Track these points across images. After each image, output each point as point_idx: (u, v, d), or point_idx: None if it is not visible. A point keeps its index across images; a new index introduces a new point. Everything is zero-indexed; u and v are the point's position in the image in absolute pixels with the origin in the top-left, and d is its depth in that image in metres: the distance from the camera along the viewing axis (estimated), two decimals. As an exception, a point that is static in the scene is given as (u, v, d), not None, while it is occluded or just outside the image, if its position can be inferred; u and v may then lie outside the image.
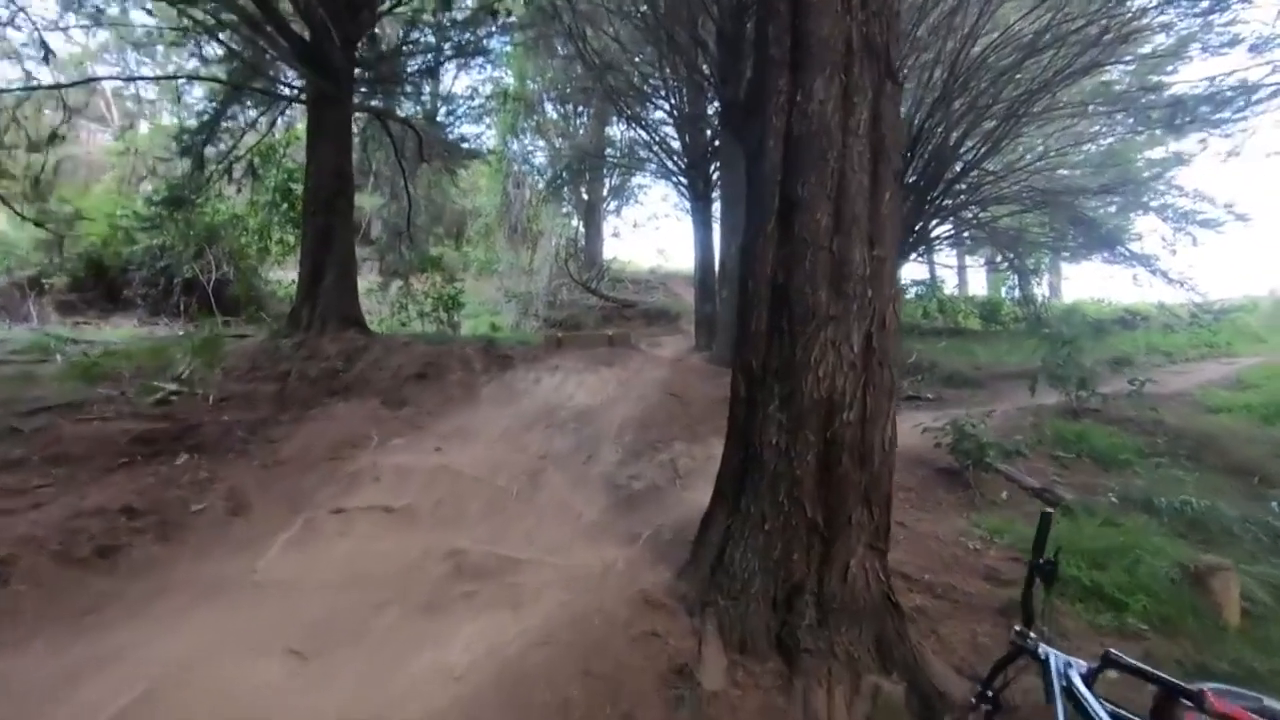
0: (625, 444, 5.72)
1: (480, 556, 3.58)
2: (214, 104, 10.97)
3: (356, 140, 13.08)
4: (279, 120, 12.21)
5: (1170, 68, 15.32)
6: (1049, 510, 2.06)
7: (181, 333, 9.44)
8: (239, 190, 12.03)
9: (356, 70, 10.56)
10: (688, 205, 16.95)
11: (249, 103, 11.00)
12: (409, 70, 11.39)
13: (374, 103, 12.22)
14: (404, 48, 10.87)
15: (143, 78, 12.07)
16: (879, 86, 2.72)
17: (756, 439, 2.71)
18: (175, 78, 11.44)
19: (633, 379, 8.40)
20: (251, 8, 9.05)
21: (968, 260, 24.47)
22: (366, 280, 13.47)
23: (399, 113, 13.01)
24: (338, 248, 9.35)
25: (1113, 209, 17.65)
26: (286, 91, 10.87)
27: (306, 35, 9.10)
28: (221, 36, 10.11)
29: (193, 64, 11.86)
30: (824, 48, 2.67)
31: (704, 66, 11.94)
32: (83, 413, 5.61)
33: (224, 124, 11.24)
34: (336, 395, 7.14)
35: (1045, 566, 2.00)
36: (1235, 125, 13.53)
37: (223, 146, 11.35)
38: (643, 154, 17.82)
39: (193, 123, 11.10)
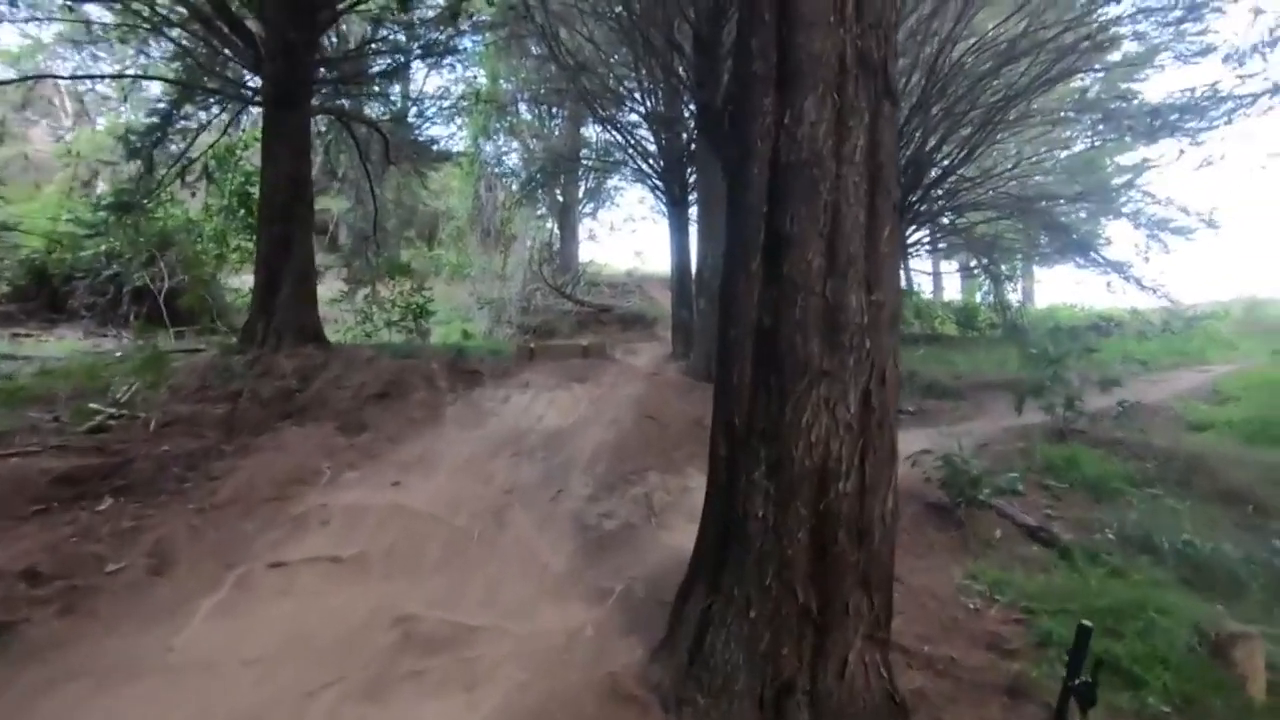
0: (597, 475, 5.37)
1: (432, 624, 3.21)
2: (165, 104, 10.38)
3: (318, 143, 12.60)
4: (238, 121, 11.63)
5: (1143, 75, 15.41)
6: (1087, 624, 1.76)
7: (123, 348, 8.86)
8: (193, 194, 11.43)
9: (318, 70, 10.09)
10: (664, 208, 16.67)
11: (202, 103, 10.44)
12: (374, 71, 10.87)
13: (339, 103, 11.75)
14: (369, 47, 10.36)
15: (87, 75, 11.40)
16: (876, 108, 2.41)
17: (740, 508, 2.38)
18: (122, 76, 10.83)
19: (606, 396, 8.05)
20: (201, 3, 8.55)
21: (943, 266, 24.52)
22: (331, 288, 12.96)
23: (366, 114, 12.52)
24: (296, 257, 8.85)
25: (1084, 215, 17.76)
26: (243, 92, 10.31)
27: (262, 33, 8.61)
28: (171, 33, 9.57)
29: (143, 61, 11.29)
30: (815, 64, 2.35)
31: (680, 70, 11.63)
32: (1, 446, 5.12)
33: (177, 125, 10.68)
34: (290, 419, 6.70)
35: (1082, 688, 1.71)
36: (1207, 134, 13.57)
37: (175, 149, 10.78)
38: (618, 156, 17.49)
39: (141, 123, 10.49)
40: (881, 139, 2.40)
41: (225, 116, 11.01)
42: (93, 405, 6.20)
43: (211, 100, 10.40)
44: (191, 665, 2.86)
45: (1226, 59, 12.28)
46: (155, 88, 11.46)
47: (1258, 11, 12.29)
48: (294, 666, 2.90)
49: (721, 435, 2.54)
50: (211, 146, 11.02)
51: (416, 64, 14.21)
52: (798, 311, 2.29)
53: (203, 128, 10.85)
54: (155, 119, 10.34)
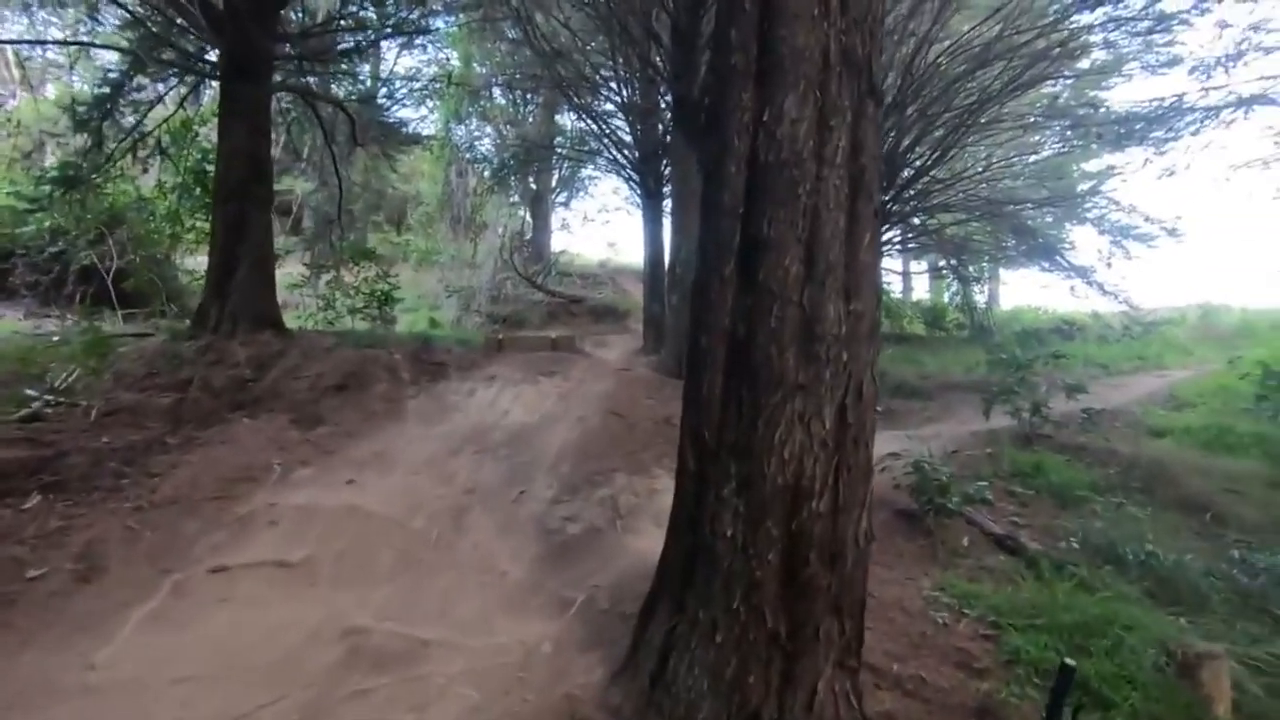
0: (562, 475, 5.22)
1: (382, 637, 3.04)
2: (116, 74, 9.86)
3: (280, 121, 12.13)
4: (196, 95, 11.12)
5: (1111, 83, 15.65)
6: (1069, 663, 1.67)
7: (65, 330, 8.41)
8: (145, 170, 10.92)
9: (282, 45, 9.67)
10: (639, 200, 16.50)
11: (157, 75, 9.94)
12: (340, 47, 10.47)
13: (304, 81, 11.30)
14: (336, 23, 9.96)
15: (31, 41, 10.78)
16: (859, 107, 2.29)
17: (708, 526, 2.25)
18: (69, 43, 10.27)
19: (574, 391, 7.89)
20: (155, -32, 8.12)
21: (912, 265, 24.77)
22: (294, 272, 12.52)
23: (332, 93, 12.09)
24: (252, 238, 8.49)
25: (1050, 220, 18.05)
26: (200, 65, 9.84)
27: (220, 3, 8.19)
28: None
29: (96, 30, 10.71)
30: (798, 59, 2.22)
31: (657, 60, 11.46)
32: (-78, 437, 4.78)
33: (129, 97, 10.15)
34: (242, 410, 6.41)
35: (1065, 733, 1.63)
36: (1171, 144, 13.83)
37: (127, 122, 10.26)
38: (593, 145, 17.26)
39: (90, 94, 9.96)
40: (864, 140, 2.28)
41: (181, 90, 10.51)
42: (28, 391, 5.85)
43: (166, 72, 9.91)
44: (113, 685, 2.64)
45: (1192, 71, 12.50)
46: (108, 57, 10.88)
47: (1223, 25, 12.54)
48: (228, 686, 2.71)
49: (690, 448, 2.41)
50: (166, 121, 10.51)
51: (386, 43, 13.82)
52: (773, 320, 2.16)
53: (156, 101, 10.34)
54: (105, 89, 9.82)
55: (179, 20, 9.02)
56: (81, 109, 9.64)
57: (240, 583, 3.55)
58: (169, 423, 5.91)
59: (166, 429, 5.73)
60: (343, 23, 10.38)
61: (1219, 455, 6.76)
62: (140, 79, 10.17)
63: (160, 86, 10.46)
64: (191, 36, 9.42)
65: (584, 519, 4.60)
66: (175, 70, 9.89)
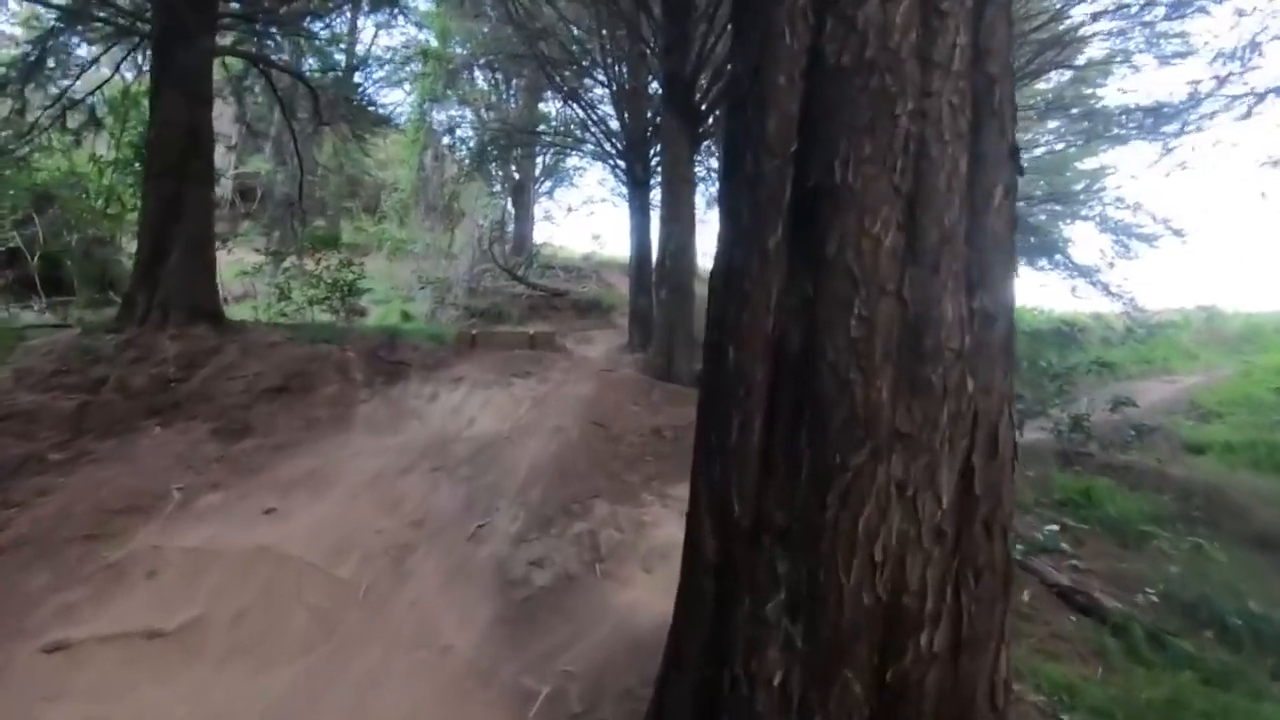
0: (531, 503, 4.34)
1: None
2: (40, 31, 8.79)
3: (228, 91, 11.09)
4: (135, 60, 10.02)
5: (1120, 75, 15.00)
6: None
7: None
8: (78, 143, 9.84)
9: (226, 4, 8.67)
10: (625, 190, 15.61)
11: (88, 36, 8.89)
12: (294, 6, 9.46)
13: (264, 51, 10.27)
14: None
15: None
16: (985, -13, 1.44)
17: (740, 663, 1.39)
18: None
19: (552, 396, 7.01)
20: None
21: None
22: (243, 260, 11.49)
23: (288, 63, 11.05)
24: (189, 219, 7.50)
25: (1045, 218, 17.45)
26: (137, 25, 8.78)
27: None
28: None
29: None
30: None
31: (646, 34, 10.56)
32: None
33: (59, 59, 9.09)
34: (158, 416, 5.47)
35: None
36: (1178, 139, 13.21)
37: (55, 89, 9.18)
38: (579, 133, 16.36)
39: (9, 54, 8.88)
40: (993, 37, 1.42)
41: (117, 52, 9.44)
42: (-100, 393, 4.88)
43: (99, 32, 8.86)
44: None
45: (1213, 60, 11.83)
46: (27, 10, 9.79)
47: (1240, 13, 11.89)
48: None
49: (708, 524, 1.53)
50: (100, 87, 9.45)
51: (355, 11, 12.79)
52: (853, 323, 1.31)
53: (90, 64, 9.29)
54: (29, 49, 8.75)
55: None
56: (1, 71, 8.58)
57: (86, 666, 2.64)
58: (66, 431, 4.97)
59: (59, 440, 4.79)
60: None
61: (1271, 477, 6.05)
62: (71, 39, 9.13)
63: (95, 49, 9.41)
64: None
65: (555, 563, 3.72)
66: (110, 30, 8.84)
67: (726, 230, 1.56)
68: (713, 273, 1.61)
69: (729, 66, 1.66)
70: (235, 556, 3.42)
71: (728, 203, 1.56)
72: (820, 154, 1.38)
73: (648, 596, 3.53)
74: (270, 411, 5.67)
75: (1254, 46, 12.12)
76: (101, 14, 8.68)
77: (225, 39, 9.95)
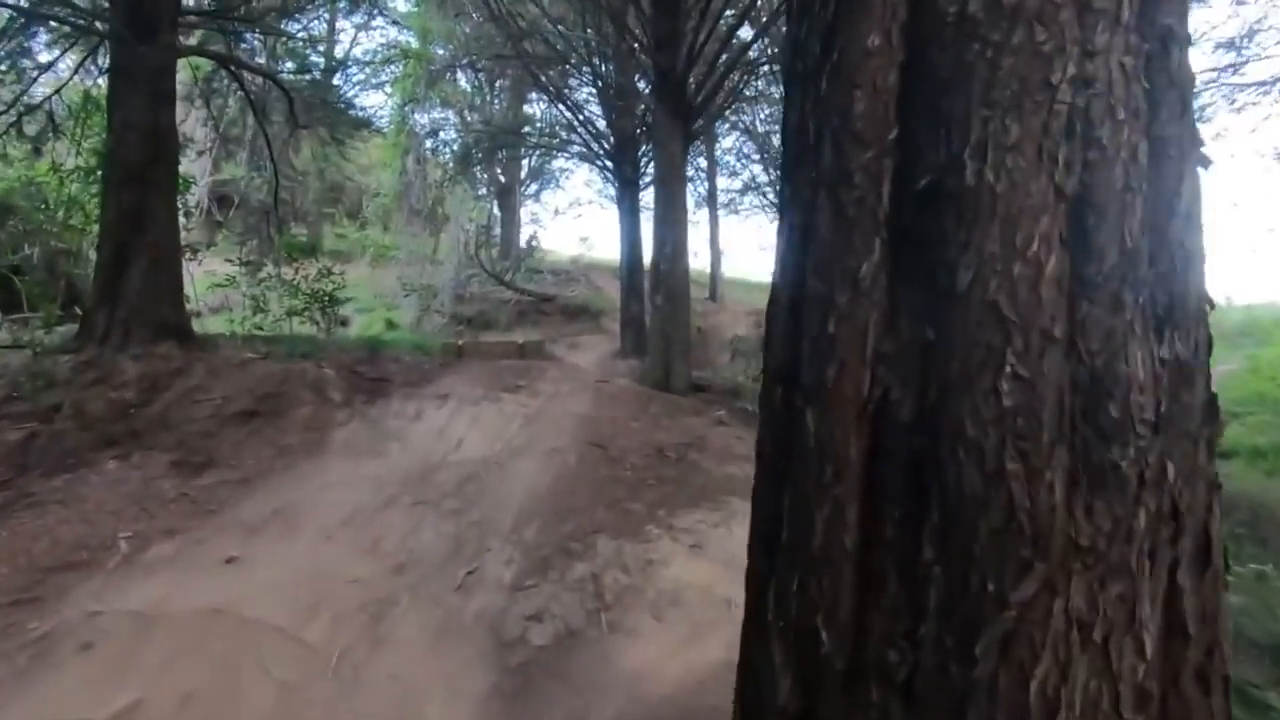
0: (526, 542, 3.91)
1: None
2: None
3: (199, 94, 10.59)
4: (95, 61, 9.49)
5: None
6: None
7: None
8: (37, 151, 9.31)
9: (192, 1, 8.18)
10: (614, 191, 15.23)
11: (39, 36, 8.37)
12: (264, 5, 8.97)
13: (235, 53, 9.77)
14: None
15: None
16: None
17: None
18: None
19: (545, 412, 6.57)
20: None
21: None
22: (217, 271, 10.95)
23: (260, 64, 10.56)
24: (153, 229, 7.02)
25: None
26: (97, 25, 8.26)
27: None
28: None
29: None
30: None
31: (635, 29, 10.16)
32: None
33: (14, 63, 8.56)
34: (115, 447, 5.00)
35: None
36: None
37: (7, 94, 8.65)
38: (565, 134, 15.96)
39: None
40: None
41: (76, 55, 8.93)
42: None
43: (54, 33, 8.35)
44: None
45: (1214, 50, 11.59)
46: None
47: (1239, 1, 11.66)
48: None
49: (779, 660, 1.08)
50: (58, 91, 8.92)
51: (331, 11, 12.30)
52: (1006, 386, 0.89)
53: (46, 67, 8.76)
54: (-23, 53, 8.22)
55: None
56: (-52, 75, 8.05)
57: (-6, 776, 2.18)
58: (9, 469, 4.51)
59: (5, 477, 4.32)
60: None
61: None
62: (27, 42, 8.61)
63: (53, 51, 8.89)
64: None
65: (556, 615, 3.29)
66: (68, 30, 8.33)
67: (792, 248, 1.15)
68: (771, 305, 1.20)
69: (784, 33, 1.24)
70: (186, 621, 2.97)
71: (793, 211, 1.15)
72: (937, 142, 0.97)
73: (660, 652, 3.12)
74: (237, 439, 5.21)
75: (1250, 35, 11.92)
76: (58, 13, 8.18)
77: (192, 39, 9.47)
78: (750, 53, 10.49)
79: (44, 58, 9.18)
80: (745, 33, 10.32)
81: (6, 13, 8.49)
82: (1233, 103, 11.80)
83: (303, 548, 3.77)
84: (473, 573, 3.59)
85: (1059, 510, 0.87)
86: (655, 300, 8.89)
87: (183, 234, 8.55)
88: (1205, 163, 1.02)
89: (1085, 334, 0.90)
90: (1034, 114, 0.92)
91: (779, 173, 1.32)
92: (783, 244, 1.19)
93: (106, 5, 7.57)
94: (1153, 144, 0.97)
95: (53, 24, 8.30)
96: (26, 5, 8.20)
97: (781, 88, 11.95)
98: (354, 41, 17.58)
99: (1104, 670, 0.87)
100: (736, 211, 20.21)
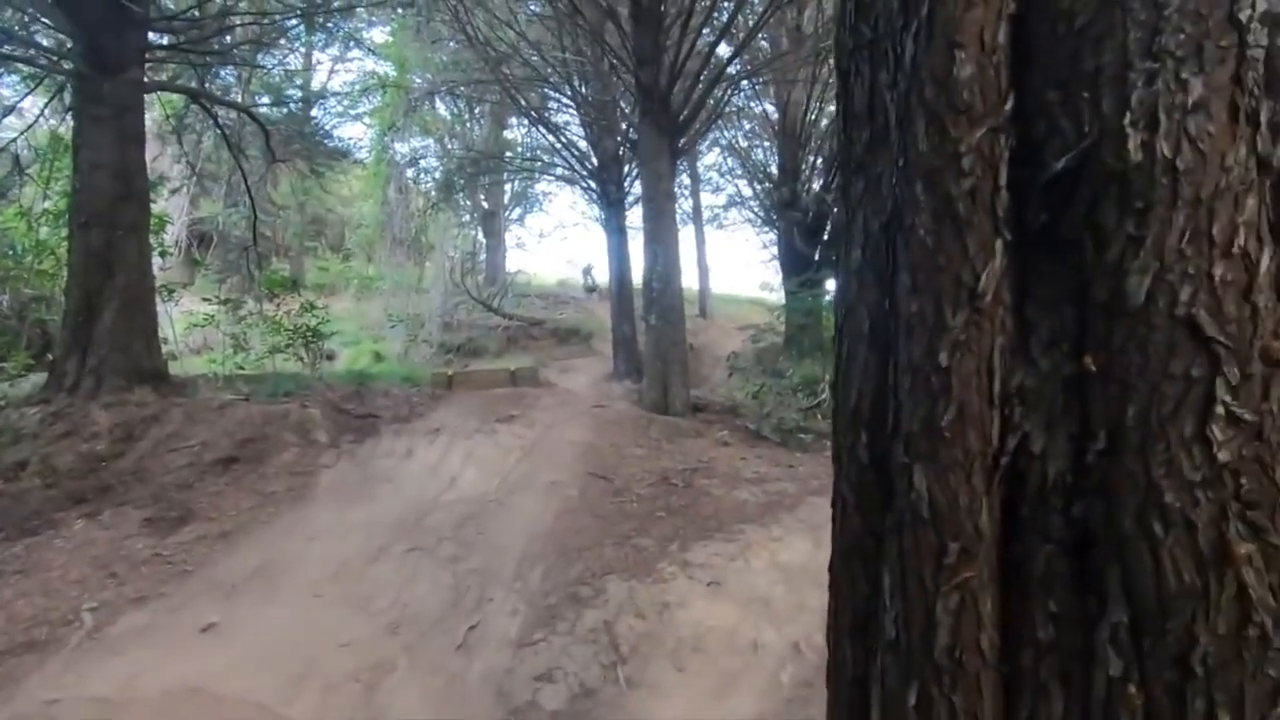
0: (531, 589, 3.61)
1: None
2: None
3: (171, 131, 10.34)
4: (62, 101, 9.22)
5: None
6: None
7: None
8: (2, 195, 9.00)
9: (161, 34, 7.94)
10: (599, 212, 15.07)
11: (1, 77, 8.11)
12: (235, 39, 8.76)
13: (208, 86, 9.53)
14: (224, 2, 8.22)
15: None
16: None
17: None
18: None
19: (542, 443, 6.30)
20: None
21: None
22: (194, 311, 10.62)
23: (233, 98, 10.34)
24: (123, 271, 6.73)
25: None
26: (62, 64, 8.00)
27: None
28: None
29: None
30: None
31: (615, 47, 10.02)
32: None
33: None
34: (83, 505, 4.70)
35: None
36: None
37: (-29, 136, 8.36)
38: (545, 159, 15.81)
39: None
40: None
41: (41, 96, 8.65)
42: None
43: (16, 75, 8.09)
44: None
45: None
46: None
47: None
48: None
49: None
50: (24, 133, 8.64)
51: (297, 35, 12.12)
52: (1214, 428, 0.64)
53: (9, 110, 8.50)
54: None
55: (28, 9, 7.25)
56: (-94, 121, 7.75)
57: None
58: (-31, 532, 4.17)
59: (-41, 545, 3.98)
60: (235, 5, 8.64)
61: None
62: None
63: (16, 91, 8.63)
64: (45, 25, 7.63)
65: (568, 673, 2.99)
66: (31, 70, 8.08)
67: (871, 258, 0.90)
68: (844, 331, 0.96)
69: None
70: (156, 705, 2.66)
71: (870, 212, 0.90)
72: (1079, 110, 0.73)
73: (686, 708, 2.84)
74: (216, 489, 4.90)
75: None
76: (20, 54, 7.93)
77: (162, 74, 9.23)
78: (730, 69, 10.37)
79: (7, 96, 8.94)
80: (725, 49, 10.21)
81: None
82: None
83: (287, 608, 3.46)
84: (474, 628, 3.29)
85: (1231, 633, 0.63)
86: (649, 320, 8.65)
87: (160, 274, 8.28)
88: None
89: (1241, 388, 0.65)
90: (1220, 64, 0.68)
91: (836, 166, 1.07)
92: (858, 255, 0.94)
93: (70, 45, 7.32)
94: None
95: (18, 65, 8.05)
96: (-12, 47, 7.96)
97: (763, 102, 11.78)
98: (331, 73, 17.42)
99: None
100: (722, 226, 20.06)
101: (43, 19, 7.27)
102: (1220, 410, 0.65)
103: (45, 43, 7.96)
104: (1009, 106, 0.80)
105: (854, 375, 0.95)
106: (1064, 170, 0.75)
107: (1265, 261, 0.67)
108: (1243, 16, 0.69)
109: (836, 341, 0.99)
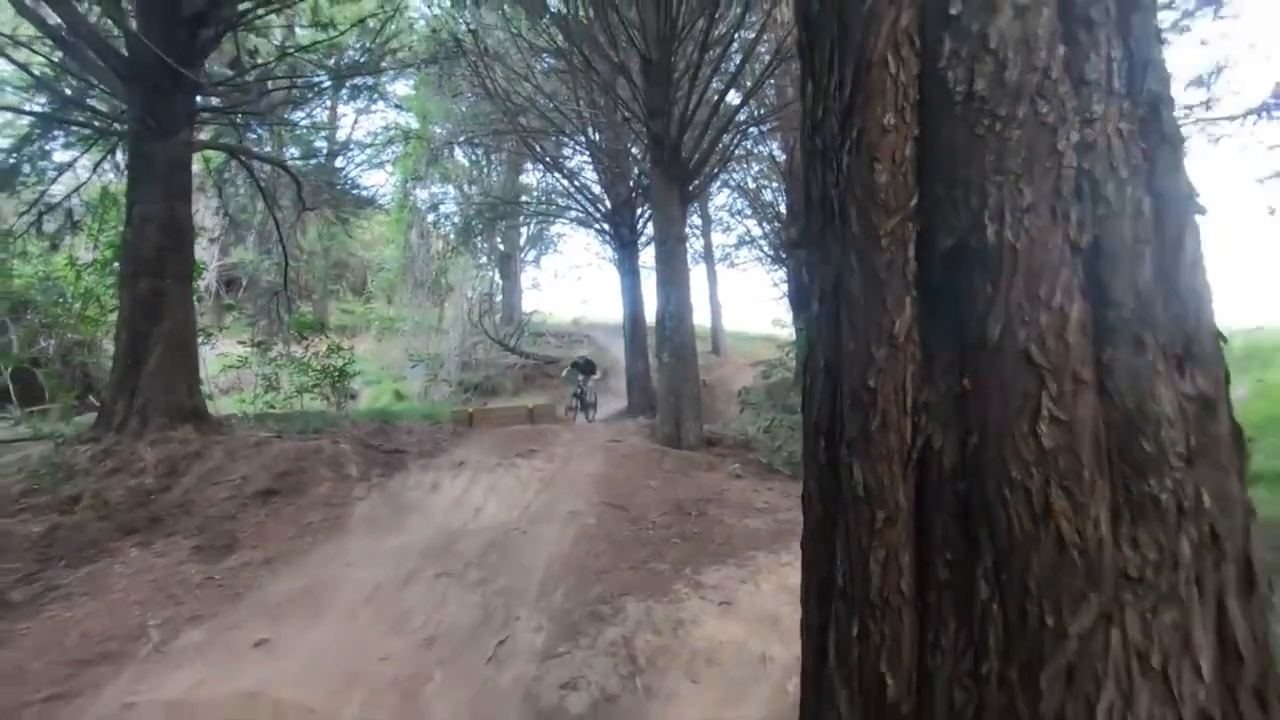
0: (554, 608, 3.88)
1: None
2: (13, 140, 8.66)
3: (211, 184, 10.98)
4: (113, 159, 9.88)
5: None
6: None
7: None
8: (55, 247, 9.60)
9: (208, 98, 8.57)
10: (612, 253, 15.56)
11: (62, 138, 8.76)
12: (275, 100, 9.40)
13: (241, 142, 10.19)
14: (264, 67, 8.88)
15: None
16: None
17: None
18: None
19: (561, 475, 6.59)
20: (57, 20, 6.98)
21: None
22: (229, 354, 11.14)
23: (269, 152, 11.00)
24: (169, 318, 7.18)
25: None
26: (115, 126, 8.65)
27: (124, 50, 7.08)
28: (15, 55, 7.91)
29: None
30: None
31: (627, 99, 10.58)
32: None
33: (33, 164, 8.93)
34: (135, 535, 5.02)
35: None
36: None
37: (28, 194, 8.98)
38: (561, 202, 16.42)
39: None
40: (1149, 49, 1.13)
41: (95, 154, 9.31)
42: None
43: (70, 135, 8.74)
44: None
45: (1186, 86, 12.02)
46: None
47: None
48: None
49: (845, 710, 1.11)
50: (77, 189, 9.27)
51: (337, 101, 12.87)
52: (1045, 429, 0.93)
53: (66, 167, 9.13)
54: (2, 156, 8.60)
55: (86, 77, 7.90)
56: (-28, 181, 8.39)
57: None
58: (33, 561, 4.50)
59: (23, 573, 4.31)
60: (272, 68, 9.30)
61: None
62: (47, 144, 9.00)
63: (72, 151, 9.27)
64: (101, 91, 8.28)
65: (590, 680, 3.25)
66: (87, 132, 8.72)
67: (825, 311, 1.23)
68: (808, 365, 1.28)
69: (802, 113, 1.35)
70: (223, 707, 2.94)
71: (823, 276, 1.24)
72: (958, 207, 1.06)
73: (699, 714, 3.07)
74: (258, 520, 5.22)
75: (1218, 72, 12.40)
76: (78, 118, 8.59)
77: (204, 134, 9.89)
78: (739, 116, 10.89)
79: (61, 157, 9.58)
80: (734, 97, 10.74)
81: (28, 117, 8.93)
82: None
83: (330, 627, 3.75)
84: (503, 642, 3.56)
85: (1107, 543, 0.92)
86: (662, 357, 8.98)
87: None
88: (1200, 210, 1.11)
89: (1113, 376, 0.97)
90: (1044, 178, 1.01)
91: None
92: (816, 307, 1.27)
93: (124, 108, 7.95)
94: (1154, 198, 1.06)
95: (73, 127, 8.71)
96: (50, 111, 8.64)
97: (770, 145, 12.26)
98: (355, 125, 18.30)
99: (1166, 696, 0.90)
100: (733, 265, 20.53)
101: (102, 86, 7.90)
102: (1045, 414, 0.96)
103: (101, 107, 8.62)
104: (914, 202, 1.13)
105: (815, 397, 1.27)
106: (951, 248, 1.08)
107: (1075, 313, 0.98)
108: (1060, 145, 1.02)
109: (803, 373, 1.31)
